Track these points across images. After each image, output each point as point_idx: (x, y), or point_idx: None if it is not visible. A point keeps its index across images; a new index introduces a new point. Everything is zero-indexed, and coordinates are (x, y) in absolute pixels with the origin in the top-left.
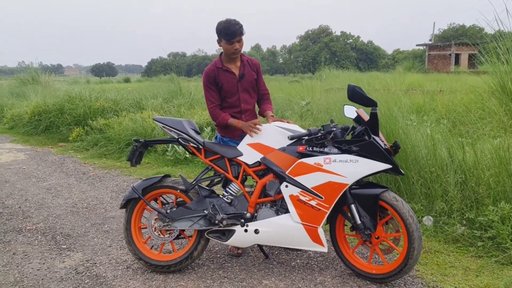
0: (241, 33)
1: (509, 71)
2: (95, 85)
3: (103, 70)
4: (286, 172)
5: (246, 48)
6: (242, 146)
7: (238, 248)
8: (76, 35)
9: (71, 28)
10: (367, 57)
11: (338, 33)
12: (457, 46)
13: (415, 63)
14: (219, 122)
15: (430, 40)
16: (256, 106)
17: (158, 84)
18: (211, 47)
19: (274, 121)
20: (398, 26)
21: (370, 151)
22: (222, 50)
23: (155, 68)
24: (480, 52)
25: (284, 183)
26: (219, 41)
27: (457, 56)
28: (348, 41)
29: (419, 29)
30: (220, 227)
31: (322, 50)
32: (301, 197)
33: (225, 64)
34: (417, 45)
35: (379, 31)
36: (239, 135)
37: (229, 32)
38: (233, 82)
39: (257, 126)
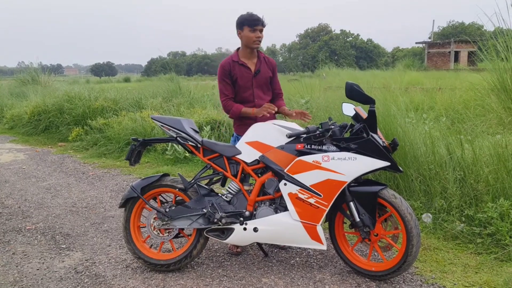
0: (263, 23)
1: (509, 68)
2: (95, 84)
3: (103, 70)
4: (285, 170)
5: None
6: (241, 145)
7: (237, 247)
8: (75, 35)
9: (71, 27)
10: (366, 55)
11: (338, 31)
12: (457, 43)
13: (415, 61)
14: (233, 112)
15: (429, 37)
16: None
17: (157, 84)
18: (211, 45)
19: (297, 112)
20: (398, 24)
21: (369, 149)
22: (243, 42)
23: (154, 68)
24: (480, 49)
25: (283, 181)
26: (240, 32)
27: (457, 54)
28: (347, 39)
29: (418, 27)
30: (219, 225)
31: (321, 49)
32: (300, 195)
33: (241, 58)
34: (416, 42)
35: (379, 29)
36: None
37: (254, 17)
38: (248, 77)
39: (271, 106)
